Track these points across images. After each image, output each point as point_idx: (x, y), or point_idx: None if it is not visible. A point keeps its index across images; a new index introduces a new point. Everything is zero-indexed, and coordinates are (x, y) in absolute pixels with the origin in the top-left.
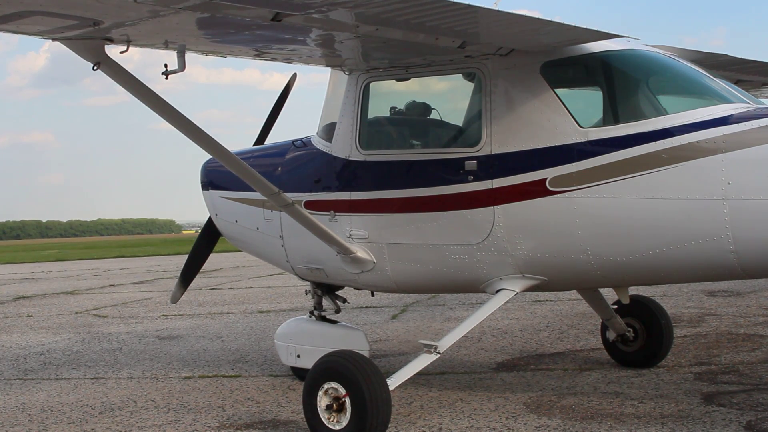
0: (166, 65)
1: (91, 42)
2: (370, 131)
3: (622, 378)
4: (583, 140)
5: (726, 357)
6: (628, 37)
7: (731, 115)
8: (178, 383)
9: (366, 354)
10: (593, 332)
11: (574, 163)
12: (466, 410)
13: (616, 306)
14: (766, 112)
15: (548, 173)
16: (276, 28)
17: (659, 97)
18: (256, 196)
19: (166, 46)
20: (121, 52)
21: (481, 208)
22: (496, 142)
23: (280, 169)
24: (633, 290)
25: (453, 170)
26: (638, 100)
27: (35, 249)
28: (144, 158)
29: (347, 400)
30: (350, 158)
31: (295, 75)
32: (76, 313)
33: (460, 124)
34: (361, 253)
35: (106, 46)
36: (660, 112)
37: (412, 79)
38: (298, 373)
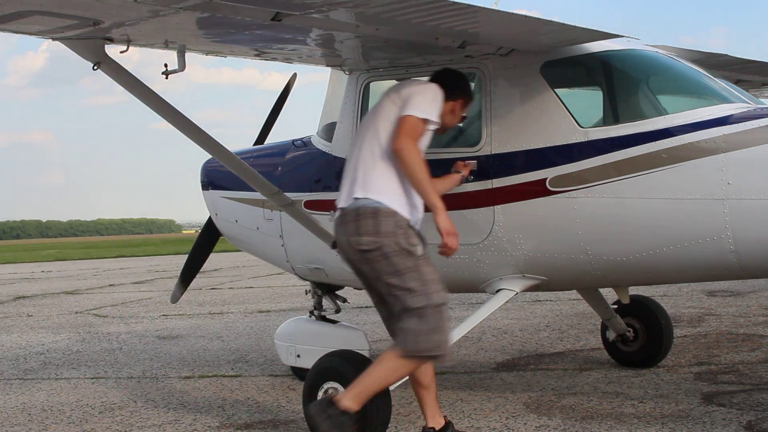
0: (166, 65)
1: (91, 42)
2: None
3: (622, 378)
4: (583, 140)
5: (726, 357)
6: (628, 37)
7: (731, 115)
8: (178, 383)
9: (366, 354)
10: (593, 332)
11: (574, 163)
12: (466, 410)
13: (616, 306)
14: (767, 112)
15: (548, 173)
16: (276, 27)
17: (659, 96)
18: (256, 195)
19: (166, 45)
20: (122, 52)
21: (481, 208)
22: (496, 142)
23: (280, 169)
24: (633, 290)
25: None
26: (638, 100)
27: (35, 249)
28: (144, 158)
29: None
30: None
31: (295, 75)
32: (76, 312)
33: (460, 124)
34: None
35: (106, 46)
36: (660, 112)
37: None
38: (298, 373)
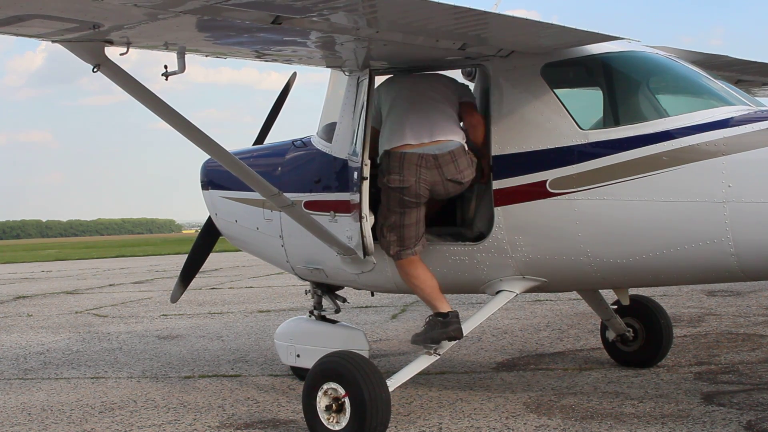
0: (165, 66)
1: (91, 44)
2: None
3: (622, 378)
4: (583, 142)
5: (726, 357)
6: (629, 39)
7: (732, 118)
8: (178, 383)
9: (366, 354)
10: (593, 332)
11: (574, 165)
12: (466, 410)
13: (615, 306)
14: (767, 114)
15: (548, 175)
16: (276, 30)
17: (660, 98)
18: (256, 196)
19: (166, 47)
20: (121, 54)
21: None
22: (496, 143)
23: (279, 169)
24: (633, 290)
25: None
26: (639, 102)
27: (35, 249)
28: (144, 158)
29: (346, 400)
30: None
31: (295, 74)
32: (76, 312)
33: None
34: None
35: (105, 48)
36: (660, 114)
37: None
38: (297, 372)
